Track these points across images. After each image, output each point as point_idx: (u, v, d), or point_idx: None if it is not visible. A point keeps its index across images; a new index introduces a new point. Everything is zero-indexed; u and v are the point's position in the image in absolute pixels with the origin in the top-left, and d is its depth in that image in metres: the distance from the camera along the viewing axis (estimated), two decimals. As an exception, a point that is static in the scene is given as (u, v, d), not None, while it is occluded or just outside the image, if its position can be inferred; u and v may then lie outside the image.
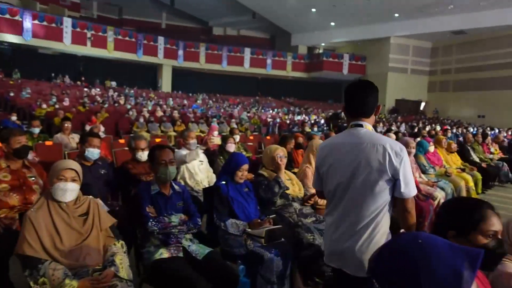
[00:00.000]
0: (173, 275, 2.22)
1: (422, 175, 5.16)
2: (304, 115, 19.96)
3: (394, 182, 1.69)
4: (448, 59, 27.69)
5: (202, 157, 4.25)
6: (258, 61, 29.00)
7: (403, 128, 17.10)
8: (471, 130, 15.66)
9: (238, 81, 29.66)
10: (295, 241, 2.76)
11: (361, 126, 1.79)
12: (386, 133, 7.71)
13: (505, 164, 7.69)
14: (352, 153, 1.73)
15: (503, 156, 8.55)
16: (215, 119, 13.59)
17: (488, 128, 17.24)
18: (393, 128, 13.00)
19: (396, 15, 24.53)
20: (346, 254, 1.73)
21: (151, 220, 2.35)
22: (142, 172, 3.38)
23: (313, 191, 3.34)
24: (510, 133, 14.54)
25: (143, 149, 3.46)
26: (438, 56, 28.39)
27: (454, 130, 14.69)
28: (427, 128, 14.06)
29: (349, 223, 1.73)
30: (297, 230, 2.82)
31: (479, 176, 6.28)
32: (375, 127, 6.15)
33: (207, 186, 3.87)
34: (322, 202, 3.33)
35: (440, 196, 4.66)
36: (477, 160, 7.23)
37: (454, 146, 6.54)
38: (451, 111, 27.02)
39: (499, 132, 14.12)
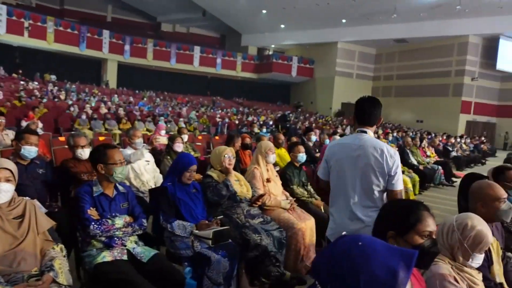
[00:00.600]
0: (116, 279, 2.14)
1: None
2: (253, 116, 20.12)
3: (388, 178, 2.12)
4: (390, 66, 29.25)
5: (149, 156, 4.14)
6: (208, 60, 28.77)
7: (348, 130, 17.79)
8: (410, 134, 16.64)
9: (187, 79, 29.20)
10: (242, 242, 2.78)
11: (365, 132, 2.22)
12: (332, 135, 7.99)
13: (439, 167, 8.28)
14: (356, 152, 2.16)
15: (438, 159, 9.19)
16: (162, 118, 13.27)
17: (426, 133, 18.44)
18: (338, 130, 13.48)
19: (344, 21, 25.49)
20: (346, 227, 2.15)
21: (93, 223, 2.25)
22: (83, 171, 3.23)
23: (261, 192, 3.38)
24: (445, 137, 15.64)
25: (82, 147, 3.30)
26: (382, 62, 29.90)
27: (395, 134, 15.53)
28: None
29: (347, 207, 2.17)
30: (244, 231, 2.84)
31: (417, 178, 6.70)
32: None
33: (153, 186, 3.78)
34: (269, 202, 3.37)
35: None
36: (415, 163, 7.70)
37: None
38: (393, 116, 28.57)
39: (435, 136, 15.16)
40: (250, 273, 2.81)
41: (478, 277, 1.73)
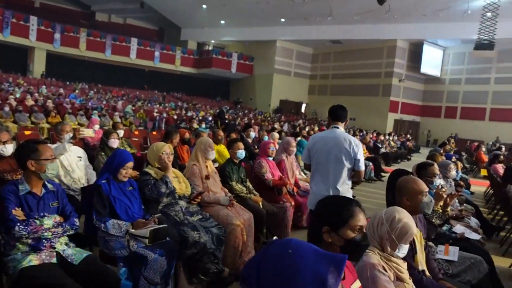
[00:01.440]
0: (44, 284, 2.01)
1: (302, 173, 5.56)
2: (192, 111, 19.83)
3: (354, 161, 2.91)
4: (326, 66, 30.41)
5: (81, 152, 3.91)
6: (146, 52, 27.82)
7: (285, 127, 18.22)
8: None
9: (123, 72, 27.97)
10: (181, 239, 2.73)
11: (338, 127, 3.03)
12: (270, 132, 8.12)
13: (370, 163, 8.78)
14: (331, 142, 2.95)
15: (369, 155, 9.74)
16: (96, 112, 12.58)
17: (358, 130, 19.45)
18: (276, 127, 13.75)
19: (283, 20, 25.99)
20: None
21: (18, 223, 2.07)
22: (6, 169, 2.97)
23: (200, 189, 3.35)
24: (375, 134, 16.60)
25: (4, 142, 3.03)
26: (318, 62, 30.98)
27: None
28: (307, 128, 15.22)
29: (326, 182, 2.95)
30: (182, 228, 2.79)
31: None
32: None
33: (85, 184, 3.57)
34: (208, 199, 3.35)
35: (317, 191, 5.08)
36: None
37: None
38: (327, 113, 29.75)
39: (366, 133, 16.03)
40: (188, 271, 2.77)
41: (404, 265, 1.86)
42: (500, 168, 7.07)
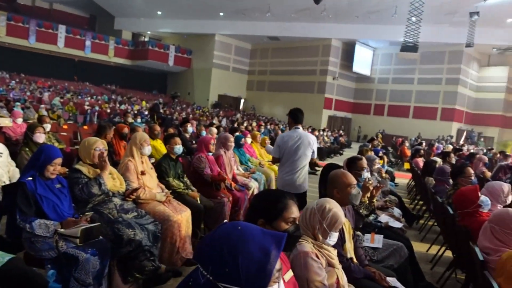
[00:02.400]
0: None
1: (240, 167, 5.62)
2: (127, 105, 19.07)
3: (312, 153, 3.83)
4: (264, 62, 30.85)
5: (2, 148, 3.60)
6: (75, 41, 26.11)
7: (224, 122, 18.23)
8: (281, 126, 17.87)
9: (50, 61, 26.01)
10: (115, 238, 2.64)
11: (299, 128, 3.88)
12: (208, 127, 8.09)
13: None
14: (297, 139, 3.78)
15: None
16: (18, 104, 11.61)
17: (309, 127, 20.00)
18: (215, 122, 13.71)
19: (221, 14, 25.87)
20: (294, 184, 3.79)
21: None
22: None
23: (135, 185, 3.26)
24: (310, 130, 17.21)
25: None
26: (256, 58, 31.33)
27: (268, 126, 16.49)
28: (245, 124, 15.37)
29: (296, 170, 3.78)
30: (117, 226, 2.70)
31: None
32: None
33: (7, 182, 3.31)
34: (144, 196, 3.28)
35: (254, 186, 5.17)
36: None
37: (267, 141, 7.35)
38: (266, 109, 30.26)
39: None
40: (123, 270, 2.70)
41: (334, 253, 1.99)
42: (421, 161, 7.70)
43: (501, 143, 24.72)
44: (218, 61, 29.23)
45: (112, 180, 3.03)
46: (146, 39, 31.19)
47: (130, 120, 8.39)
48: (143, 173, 3.39)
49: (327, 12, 21.64)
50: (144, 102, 21.14)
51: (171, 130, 6.38)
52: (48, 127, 5.29)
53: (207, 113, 22.86)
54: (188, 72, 30.64)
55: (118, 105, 18.00)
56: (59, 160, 2.59)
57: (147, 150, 3.50)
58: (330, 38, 26.23)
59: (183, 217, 3.31)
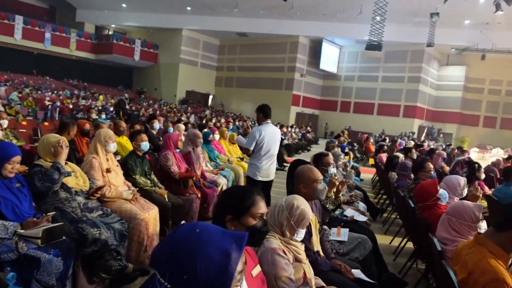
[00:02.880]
0: None
1: (208, 164, 5.60)
2: (90, 100, 18.48)
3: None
4: (233, 58, 30.72)
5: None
6: (34, 33, 24.89)
7: (192, 118, 18.04)
8: (250, 123, 17.90)
9: (6, 54, 24.63)
10: (79, 237, 2.57)
11: (269, 123, 4.27)
12: (176, 123, 7.99)
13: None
14: (271, 133, 4.23)
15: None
16: (-28, 98, 11.01)
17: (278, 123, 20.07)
18: (183, 118, 13.55)
19: (189, 8, 25.51)
20: (269, 172, 4.28)
21: None
22: None
23: (100, 183, 3.17)
24: (278, 126, 17.32)
25: None
26: (225, 53, 31.14)
27: (236, 123, 16.47)
28: (214, 120, 15.28)
29: (270, 160, 4.25)
30: (81, 225, 2.62)
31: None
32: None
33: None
34: (110, 194, 3.20)
35: (223, 183, 5.17)
36: (252, 149, 8.34)
37: (236, 138, 7.35)
38: (234, 105, 30.19)
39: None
40: (88, 270, 2.63)
41: (301, 248, 2.03)
42: (384, 157, 7.95)
43: (459, 139, 25.98)
44: (185, 57, 28.83)
45: (75, 178, 2.94)
46: (110, 33, 30.26)
47: (94, 116, 8.13)
48: (108, 170, 3.31)
49: (294, 10, 21.83)
50: (101, 97, 20.45)
51: (138, 127, 6.25)
52: (5, 123, 5.07)
53: (175, 110, 22.53)
54: (155, 67, 30.05)
55: (81, 100, 17.40)
56: (17, 158, 2.48)
57: (113, 147, 3.42)
58: (298, 35, 26.49)
59: (150, 215, 3.27)
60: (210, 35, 29.58)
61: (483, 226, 2.44)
